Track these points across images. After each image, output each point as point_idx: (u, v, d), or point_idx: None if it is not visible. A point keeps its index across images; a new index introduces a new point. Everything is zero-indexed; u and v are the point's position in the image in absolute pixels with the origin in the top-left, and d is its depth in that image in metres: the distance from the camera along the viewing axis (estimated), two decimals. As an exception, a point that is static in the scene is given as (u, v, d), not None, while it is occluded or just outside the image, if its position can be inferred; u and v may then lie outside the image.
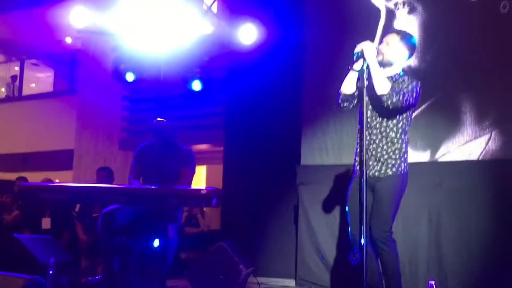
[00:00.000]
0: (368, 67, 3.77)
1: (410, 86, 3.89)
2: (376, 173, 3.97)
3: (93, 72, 10.40)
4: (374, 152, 3.99)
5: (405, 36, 4.05)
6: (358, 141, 4.02)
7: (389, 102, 3.81)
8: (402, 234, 5.25)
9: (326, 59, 6.09)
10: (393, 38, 4.02)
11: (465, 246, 5.16)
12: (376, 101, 3.92)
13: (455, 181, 5.27)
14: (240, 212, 6.89)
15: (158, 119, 5.56)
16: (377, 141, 3.98)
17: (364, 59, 3.79)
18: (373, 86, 3.85)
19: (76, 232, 6.77)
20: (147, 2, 6.88)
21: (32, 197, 5.25)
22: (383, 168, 3.98)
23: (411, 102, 3.90)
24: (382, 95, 3.81)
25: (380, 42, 4.25)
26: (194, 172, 5.46)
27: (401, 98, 3.82)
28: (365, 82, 3.73)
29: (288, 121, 6.60)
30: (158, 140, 5.49)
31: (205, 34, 7.68)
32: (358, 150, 4.03)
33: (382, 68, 3.92)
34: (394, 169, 3.97)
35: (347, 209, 4.08)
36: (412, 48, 4.07)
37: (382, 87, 3.81)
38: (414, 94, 3.90)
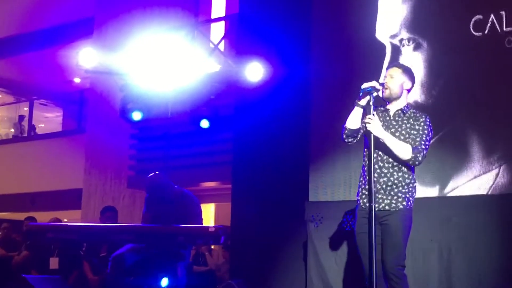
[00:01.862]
0: (374, 102, 3.90)
1: (425, 126, 4.02)
2: (387, 207, 3.98)
3: (101, 112, 10.49)
4: (384, 186, 4.00)
5: (406, 69, 4.19)
6: (365, 174, 4.05)
7: (416, 162, 3.97)
8: (412, 270, 5.19)
9: (332, 95, 6.12)
10: (396, 71, 4.13)
11: (477, 281, 5.09)
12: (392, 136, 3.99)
13: (464, 216, 5.23)
14: (249, 249, 6.84)
15: (154, 173, 5.54)
16: (388, 175, 4.00)
17: (371, 95, 3.89)
18: (387, 119, 4.05)
19: (84, 272, 6.74)
20: (154, 42, 6.97)
21: (40, 237, 5.25)
22: (393, 201, 3.98)
23: (430, 143, 4.05)
24: (407, 160, 3.94)
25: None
26: (202, 221, 5.47)
27: (425, 152, 3.98)
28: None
29: (296, 158, 6.59)
30: (153, 194, 5.49)
31: (212, 72, 7.77)
32: (366, 182, 4.05)
33: (390, 102, 4.08)
34: (404, 203, 3.99)
35: (356, 244, 4.08)
36: (413, 79, 4.19)
37: (404, 153, 3.94)
38: (430, 133, 4.05)
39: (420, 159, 3.93)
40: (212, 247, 9.08)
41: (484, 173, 5.24)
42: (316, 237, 6.02)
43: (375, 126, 3.89)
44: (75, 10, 11.93)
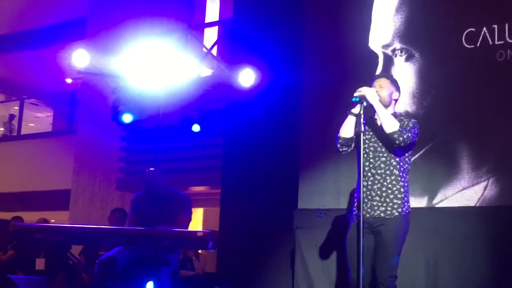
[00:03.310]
0: (364, 112, 3.92)
1: (411, 123, 4.06)
2: (382, 214, 3.97)
3: (92, 113, 10.44)
4: (379, 192, 4.00)
5: (393, 80, 4.27)
6: (359, 182, 4.04)
7: (400, 139, 3.90)
8: (399, 280, 5.19)
9: (324, 103, 6.13)
10: (384, 81, 4.19)
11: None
12: (381, 140, 4.02)
13: (452, 227, 5.24)
14: (236, 255, 6.83)
15: (150, 169, 5.53)
16: (381, 180, 4.01)
17: (362, 104, 3.91)
18: (376, 126, 4.02)
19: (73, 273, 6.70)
20: (147, 44, 6.96)
21: (27, 238, 5.20)
22: (389, 208, 3.98)
23: (415, 138, 4.07)
24: (393, 133, 3.91)
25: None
26: (190, 219, 5.44)
27: (410, 135, 3.96)
28: (362, 127, 3.88)
29: (285, 165, 6.59)
30: (149, 190, 5.48)
31: (204, 76, 7.76)
32: (361, 191, 4.04)
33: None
34: (400, 210, 3.98)
35: (346, 253, 4.06)
36: (399, 90, 4.26)
37: (391, 125, 3.93)
38: (416, 130, 4.07)
39: (405, 136, 3.90)
40: (200, 251, 9.04)
41: (473, 185, 5.26)
42: (304, 245, 6.01)
43: (370, 91, 3.95)
44: (68, 11, 11.89)
